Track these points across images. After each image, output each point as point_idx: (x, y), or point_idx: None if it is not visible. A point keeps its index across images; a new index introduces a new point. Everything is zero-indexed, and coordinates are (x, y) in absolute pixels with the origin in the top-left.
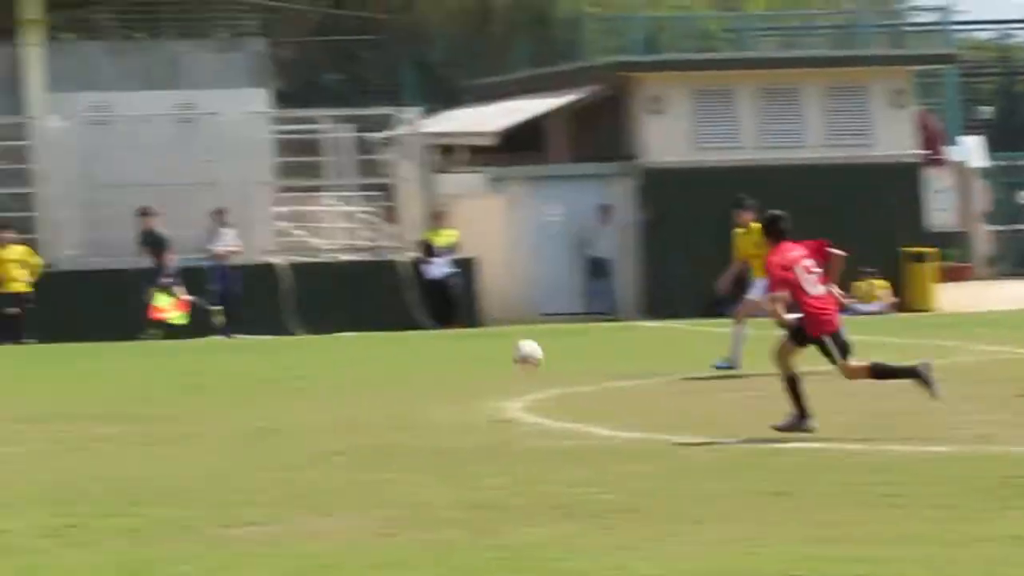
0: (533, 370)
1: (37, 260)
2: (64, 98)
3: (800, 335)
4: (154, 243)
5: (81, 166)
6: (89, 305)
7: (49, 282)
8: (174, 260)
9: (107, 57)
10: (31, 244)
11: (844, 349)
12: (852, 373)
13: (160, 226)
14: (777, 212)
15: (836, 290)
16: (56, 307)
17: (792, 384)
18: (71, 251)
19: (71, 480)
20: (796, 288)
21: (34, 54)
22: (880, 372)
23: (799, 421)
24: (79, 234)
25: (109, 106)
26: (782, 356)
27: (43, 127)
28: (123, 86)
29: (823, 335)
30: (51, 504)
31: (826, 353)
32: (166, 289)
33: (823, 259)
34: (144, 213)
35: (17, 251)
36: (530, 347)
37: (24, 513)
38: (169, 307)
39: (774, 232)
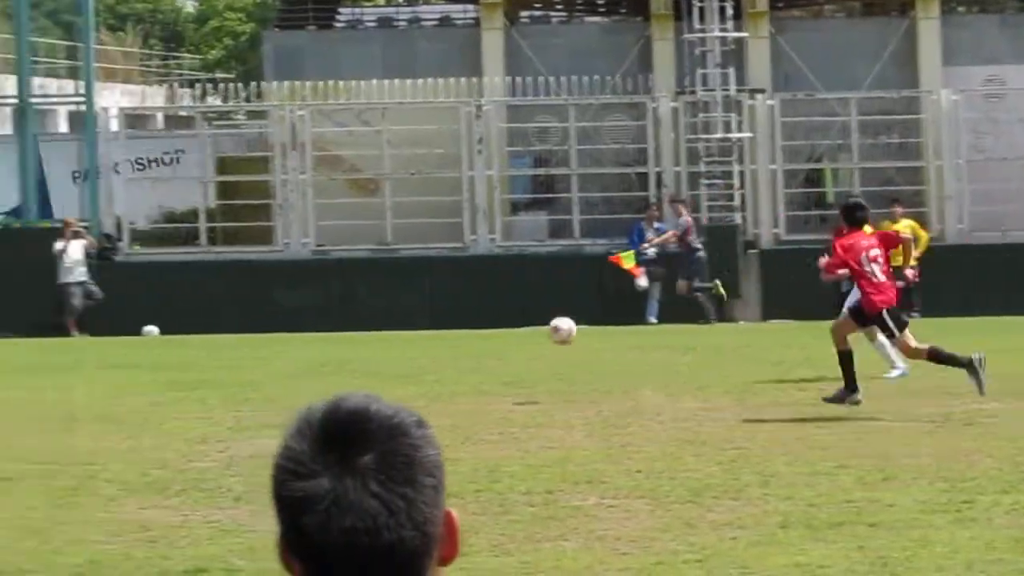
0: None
1: (925, 234)
2: (957, 72)
3: (859, 314)
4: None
5: (972, 140)
6: (976, 280)
7: (936, 256)
8: None
9: (1001, 30)
10: (920, 218)
11: (900, 326)
12: (910, 351)
13: None
14: (857, 200)
15: (909, 272)
16: (943, 281)
17: (845, 358)
18: (960, 225)
19: (958, 454)
20: (856, 272)
21: (930, 27)
22: (937, 356)
23: (846, 393)
24: (967, 208)
25: (1002, 80)
26: (840, 331)
27: (936, 101)
28: (1016, 59)
29: (879, 312)
30: (939, 480)
31: (885, 329)
32: None
33: (892, 246)
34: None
35: (906, 224)
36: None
37: (911, 488)
38: None
39: (851, 219)
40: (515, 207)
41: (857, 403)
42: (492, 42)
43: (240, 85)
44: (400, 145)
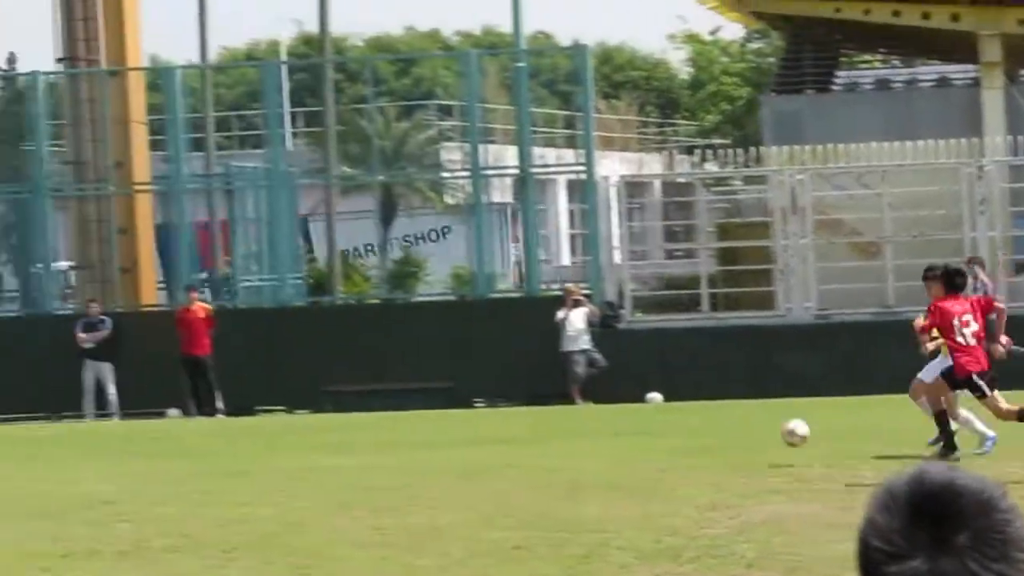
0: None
1: None
2: None
3: (952, 378)
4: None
5: None
6: None
7: None
8: None
9: None
10: None
11: (991, 386)
12: (1000, 412)
13: None
14: (958, 267)
15: (1004, 339)
16: None
17: (942, 418)
18: None
19: None
20: (948, 336)
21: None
22: None
23: (946, 451)
24: None
25: None
26: (935, 392)
27: None
28: None
29: (969, 375)
30: None
31: (975, 390)
32: None
33: (987, 312)
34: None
35: None
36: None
37: None
38: None
39: (949, 285)
40: (1019, 268)
41: (956, 459)
42: (992, 101)
43: (738, 150)
44: (900, 207)
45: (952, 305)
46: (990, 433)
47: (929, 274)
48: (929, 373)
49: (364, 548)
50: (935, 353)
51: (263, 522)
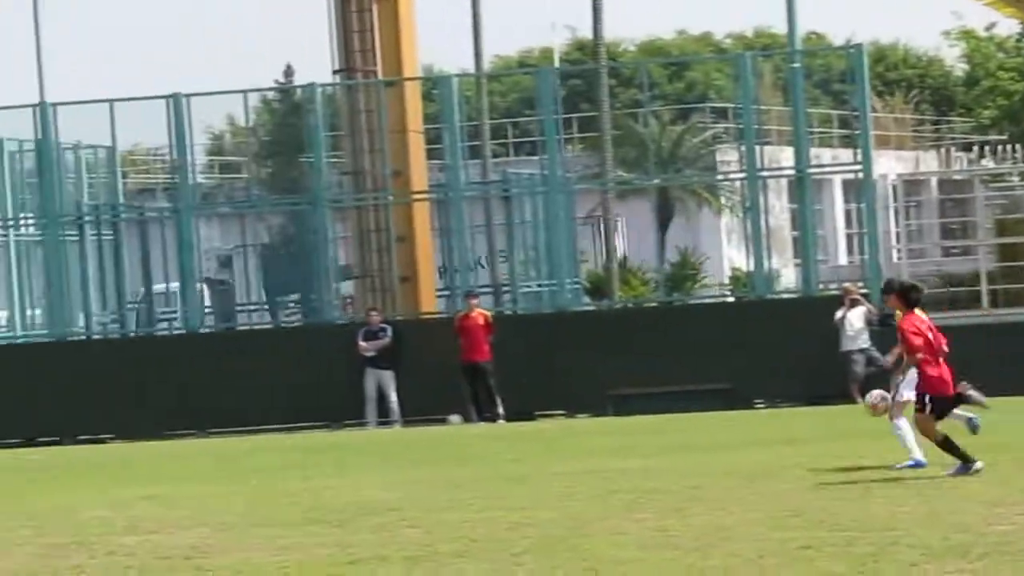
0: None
1: None
2: None
3: (934, 407)
4: None
5: None
6: None
7: None
8: None
9: None
10: None
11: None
12: (930, 432)
13: None
14: (913, 282)
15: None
16: None
17: (946, 443)
18: None
19: None
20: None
21: None
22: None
23: (965, 467)
24: None
25: None
26: (927, 427)
27: None
28: None
29: (955, 392)
30: None
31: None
32: None
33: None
34: None
35: None
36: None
37: None
38: None
39: (907, 301)
40: None
41: (979, 470)
42: None
43: (1015, 146)
44: None
45: (921, 321)
46: (920, 456)
47: (885, 288)
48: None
49: (650, 550)
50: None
51: (547, 526)
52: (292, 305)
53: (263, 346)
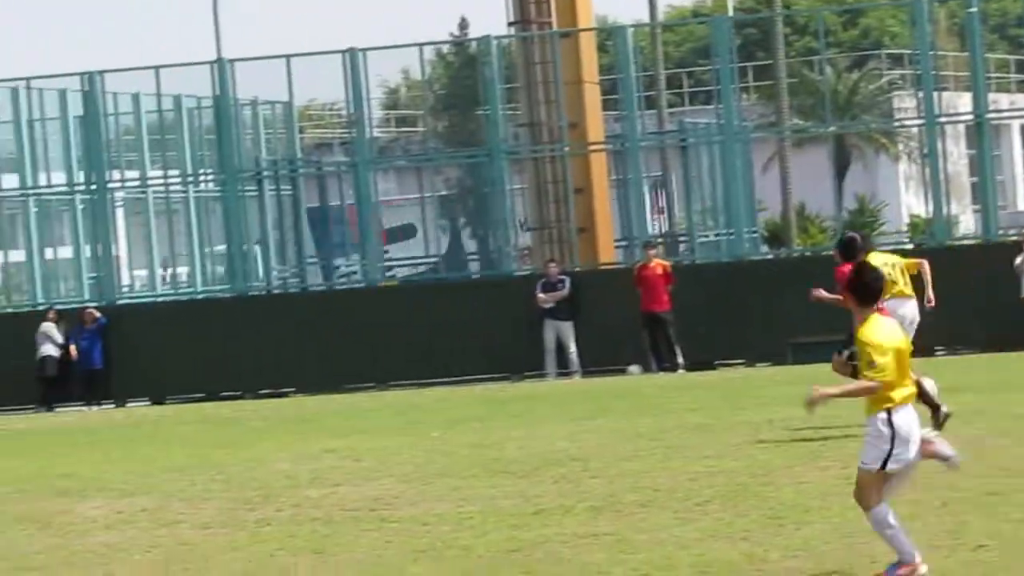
0: None
1: None
2: None
3: None
4: None
5: None
6: None
7: None
8: None
9: None
10: None
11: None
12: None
13: None
14: (853, 234)
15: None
16: None
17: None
18: None
19: None
20: None
21: None
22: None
23: (937, 414)
24: None
25: None
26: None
27: None
28: None
29: None
30: None
31: None
32: None
33: None
34: None
35: None
36: None
37: None
38: None
39: (847, 252)
40: None
41: (948, 415)
42: None
43: None
44: None
45: None
46: None
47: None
48: None
49: (833, 498)
50: None
51: (731, 475)
52: (470, 257)
53: (442, 299)
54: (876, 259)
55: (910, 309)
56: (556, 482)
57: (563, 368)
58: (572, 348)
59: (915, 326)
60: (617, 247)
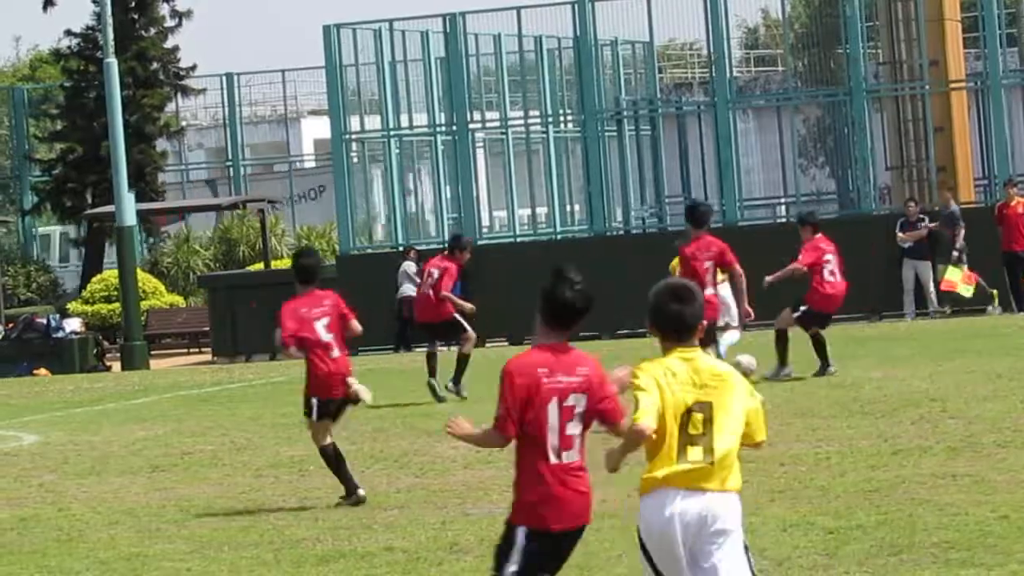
0: None
1: None
2: None
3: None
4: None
5: None
6: None
7: None
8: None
9: None
10: None
11: None
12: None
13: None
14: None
15: None
16: None
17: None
18: None
19: None
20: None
21: None
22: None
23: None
24: None
25: None
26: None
27: None
28: None
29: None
30: None
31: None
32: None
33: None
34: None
35: None
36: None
37: None
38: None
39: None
40: None
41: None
42: None
43: None
44: None
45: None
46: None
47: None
48: None
49: None
50: None
51: None
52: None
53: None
54: None
55: None
56: (914, 423)
57: (922, 308)
58: (931, 288)
59: None
60: (977, 187)
